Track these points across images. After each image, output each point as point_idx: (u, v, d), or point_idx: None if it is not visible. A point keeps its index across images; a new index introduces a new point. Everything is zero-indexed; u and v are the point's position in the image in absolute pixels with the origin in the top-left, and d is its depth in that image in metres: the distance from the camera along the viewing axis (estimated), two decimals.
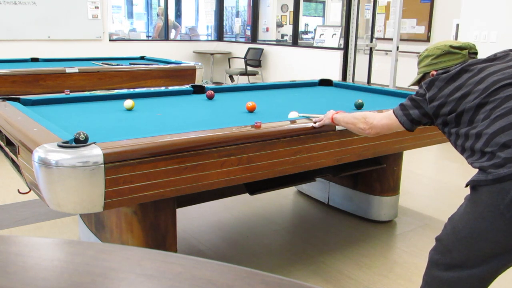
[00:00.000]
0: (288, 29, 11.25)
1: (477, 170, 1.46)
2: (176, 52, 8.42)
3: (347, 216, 3.19)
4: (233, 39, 10.97)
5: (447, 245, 1.54)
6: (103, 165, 1.55)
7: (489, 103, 1.48)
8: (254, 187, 2.34)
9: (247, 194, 2.44)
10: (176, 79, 4.74)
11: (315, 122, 2.09)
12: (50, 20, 7.10)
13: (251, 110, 2.46)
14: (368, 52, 6.05)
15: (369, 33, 6.12)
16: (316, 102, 2.92)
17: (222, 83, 8.76)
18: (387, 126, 1.80)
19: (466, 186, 1.48)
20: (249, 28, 10.22)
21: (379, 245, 2.79)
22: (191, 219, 3.11)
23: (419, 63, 1.86)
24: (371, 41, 6.02)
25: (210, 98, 2.82)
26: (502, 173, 1.34)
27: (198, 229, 2.97)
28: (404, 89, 4.11)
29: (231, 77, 8.60)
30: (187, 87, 3.08)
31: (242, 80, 8.32)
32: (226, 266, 0.58)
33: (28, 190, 1.92)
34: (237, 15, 12.64)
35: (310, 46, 7.67)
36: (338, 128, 2.15)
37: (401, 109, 1.75)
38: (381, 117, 1.82)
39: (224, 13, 9.89)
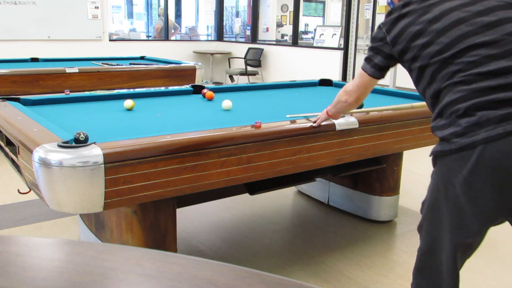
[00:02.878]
0: (288, 29, 11.26)
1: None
2: (176, 52, 8.42)
3: (347, 216, 3.19)
4: (233, 39, 10.98)
5: (421, 222, 1.58)
6: (103, 165, 1.55)
7: (454, 65, 1.41)
8: (254, 187, 2.34)
9: (247, 194, 2.44)
10: (176, 79, 4.74)
11: (314, 122, 2.10)
12: (50, 20, 7.10)
13: (209, 98, 2.77)
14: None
15: (369, 33, 6.12)
16: (316, 102, 2.92)
17: (222, 83, 8.76)
18: (361, 84, 1.75)
19: (430, 155, 1.50)
20: (249, 28, 10.23)
21: (379, 245, 2.79)
22: (191, 219, 3.11)
23: None
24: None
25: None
26: (463, 142, 1.34)
27: (198, 229, 2.97)
28: (404, 89, 4.11)
29: (231, 77, 8.60)
30: (187, 87, 3.08)
31: (242, 80, 8.33)
32: (226, 266, 0.58)
33: (28, 190, 1.92)
34: (237, 15, 12.65)
35: (310, 46, 7.67)
36: (338, 128, 2.16)
37: (367, 63, 1.70)
38: (354, 80, 1.80)
39: (224, 13, 9.90)
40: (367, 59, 1.70)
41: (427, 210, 1.53)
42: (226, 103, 2.51)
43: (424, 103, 1.72)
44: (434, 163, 1.49)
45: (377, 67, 1.67)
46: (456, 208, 1.42)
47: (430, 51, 1.46)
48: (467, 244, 1.51)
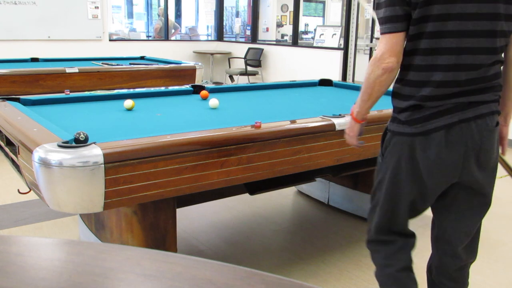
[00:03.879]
0: (288, 29, 11.26)
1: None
2: (176, 52, 8.42)
3: (347, 216, 3.19)
4: (233, 39, 10.98)
5: (377, 196, 1.72)
6: (103, 165, 1.55)
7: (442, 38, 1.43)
8: (254, 187, 2.34)
9: (247, 194, 2.44)
10: (176, 79, 4.74)
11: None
12: (50, 20, 7.10)
13: (203, 97, 2.79)
14: (368, 52, 6.04)
15: (369, 33, 6.12)
16: (316, 102, 2.92)
17: (222, 83, 8.76)
18: (393, 45, 1.46)
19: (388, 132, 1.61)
20: (249, 28, 10.23)
21: None
22: (191, 219, 3.11)
23: None
24: (371, 41, 6.02)
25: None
26: (429, 126, 1.49)
27: (198, 229, 2.97)
28: None
29: (231, 77, 8.60)
30: (187, 87, 3.08)
31: (242, 80, 8.33)
32: (226, 266, 0.58)
33: (28, 190, 1.92)
34: (237, 15, 12.65)
35: (310, 46, 7.67)
36: (338, 128, 2.16)
37: (386, 23, 1.47)
38: (380, 46, 1.53)
39: (224, 13, 9.90)
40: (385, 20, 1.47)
41: (388, 184, 1.63)
42: (213, 101, 2.52)
43: None
44: (390, 139, 1.59)
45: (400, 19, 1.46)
46: (418, 181, 1.56)
47: (430, 10, 1.43)
48: (422, 209, 1.68)
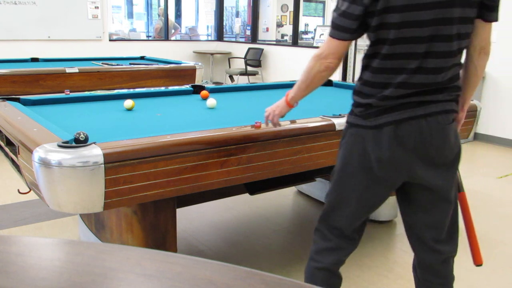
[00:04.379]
0: (288, 29, 11.26)
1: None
2: (176, 52, 8.43)
3: None
4: (233, 39, 10.98)
5: (330, 187, 1.78)
6: (103, 165, 1.55)
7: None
8: (254, 187, 2.34)
9: (247, 194, 2.44)
10: (176, 79, 4.74)
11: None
12: (50, 20, 7.10)
13: (203, 97, 2.80)
14: None
15: None
16: (316, 102, 2.92)
17: (222, 83, 8.76)
18: (338, 50, 1.60)
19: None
20: (249, 28, 10.23)
21: (379, 245, 2.79)
22: (191, 219, 3.11)
23: None
24: None
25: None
26: (380, 121, 1.55)
27: (198, 229, 2.97)
28: None
29: (231, 77, 8.60)
30: (187, 87, 3.08)
31: (242, 80, 8.33)
32: (226, 266, 0.58)
33: (28, 190, 1.92)
34: (237, 15, 12.65)
35: (310, 46, 7.67)
36: (338, 128, 2.16)
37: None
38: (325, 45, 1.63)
39: (224, 13, 9.90)
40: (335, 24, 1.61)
41: (339, 174, 1.69)
42: (210, 101, 2.53)
43: None
44: (346, 130, 1.66)
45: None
46: (368, 174, 1.60)
47: (389, 20, 1.51)
48: (370, 205, 1.70)
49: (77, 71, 4.29)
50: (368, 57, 1.57)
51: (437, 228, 1.68)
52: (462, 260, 2.63)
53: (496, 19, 1.59)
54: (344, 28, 1.54)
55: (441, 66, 1.50)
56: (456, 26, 1.48)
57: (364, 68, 1.59)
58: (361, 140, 1.59)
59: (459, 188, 1.88)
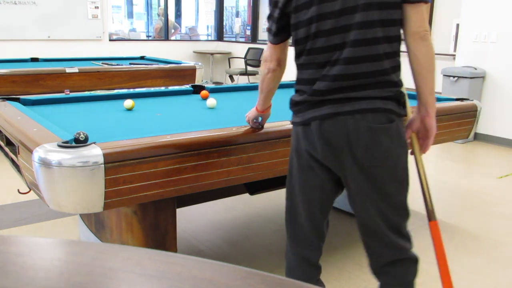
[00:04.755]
0: None
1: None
2: (176, 52, 8.42)
3: (347, 216, 3.19)
4: (233, 39, 10.97)
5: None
6: (103, 165, 1.55)
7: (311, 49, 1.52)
8: (254, 187, 2.33)
9: (247, 194, 2.44)
10: (176, 79, 4.74)
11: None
12: (50, 20, 7.10)
13: (203, 97, 2.80)
14: None
15: None
16: None
17: (222, 83, 8.76)
18: (272, 53, 1.69)
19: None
20: (249, 28, 10.23)
21: None
22: (191, 219, 3.11)
23: None
24: None
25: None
26: (306, 117, 1.55)
27: (198, 229, 2.97)
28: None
29: (231, 77, 8.60)
30: (187, 87, 3.08)
31: (242, 80, 8.32)
32: (226, 266, 0.58)
33: (28, 190, 1.92)
34: (237, 15, 12.64)
35: None
36: None
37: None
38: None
39: (224, 13, 9.90)
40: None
41: (287, 176, 1.70)
42: (210, 101, 2.54)
43: None
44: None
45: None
46: (304, 171, 1.61)
47: (300, 17, 1.55)
48: (316, 200, 1.65)
49: (77, 71, 4.29)
50: (296, 56, 1.59)
51: (372, 230, 1.61)
52: (462, 260, 2.63)
53: (418, 0, 1.47)
54: (271, 31, 1.62)
55: (361, 55, 1.44)
56: (373, 12, 1.43)
57: (296, 66, 1.62)
58: (296, 137, 1.61)
59: (430, 217, 1.73)
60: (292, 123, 1.63)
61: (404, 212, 1.65)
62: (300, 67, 1.58)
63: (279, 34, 1.62)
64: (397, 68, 1.51)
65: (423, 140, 1.65)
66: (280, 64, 1.70)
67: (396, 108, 1.50)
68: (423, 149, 1.67)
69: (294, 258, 1.74)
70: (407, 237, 1.67)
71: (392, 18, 1.45)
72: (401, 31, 1.51)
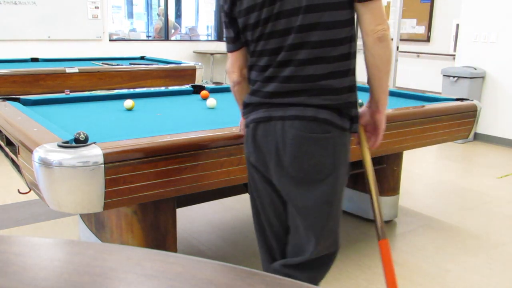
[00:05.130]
0: None
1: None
2: (176, 52, 8.42)
3: (347, 216, 3.19)
4: None
5: None
6: (103, 165, 1.55)
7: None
8: None
9: (247, 194, 2.44)
10: (176, 79, 4.74)
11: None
12: (50, 20, 7.09)
13: (204, 97, 2.78)
14: None
15: None
16: None
17: (222, 83, 8.76)
18: (233, 62, 1.62)
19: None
20: None
21: None
22: (191, 219, 3.11)
23: None
24: None
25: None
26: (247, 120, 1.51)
27: (198, 229, 2.97)
28: (404, 89, 4.11)
29: None
30: (187, 87, 3.08)
31: None
32: (226, 266, 0.58)
33: (28, 190, 1.92)
34: None
35: None
36: None
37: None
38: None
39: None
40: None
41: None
42: (210, 101, 2.54)
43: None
44: None
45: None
46: (251, 175, 1.59)
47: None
48: (269, 207, 1.58)
49: (77, 71, 4.29)
50: (250, 56, 1.54)
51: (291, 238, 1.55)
52: (462, 260, 2.63)
53: None
54: (227, 38, 1.58)
55: (296, 59, 1.37)
56: (314, 15, 1.35)
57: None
58: (245, 140, 1.58)
59: (379, 235, 1.57)
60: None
61: (328, 241, 1.51)
62: (249, 68, 1.54)
63: (235, 40, 1.55)
64: (342, 73, 1.39)
65: (371, 134, 1.60)
66: (243, 74, 1.60)
67: (336, 120, 1.39)
68: (372, 144, 1.61)
69: (268, 266, 1.69)
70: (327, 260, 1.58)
71: (337, 20, 1.36)
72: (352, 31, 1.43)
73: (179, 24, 10.94)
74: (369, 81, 1.48)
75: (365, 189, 3.04)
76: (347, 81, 1.41)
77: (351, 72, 1.43)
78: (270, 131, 1.42)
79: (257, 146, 1.47)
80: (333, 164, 1.42)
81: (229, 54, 1.60)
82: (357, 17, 1.42)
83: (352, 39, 1.42)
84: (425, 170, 4.38)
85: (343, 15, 1.36)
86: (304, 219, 1.48)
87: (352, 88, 1.44)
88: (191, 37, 10.68)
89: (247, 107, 1.51)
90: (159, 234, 2.00)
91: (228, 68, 1.61)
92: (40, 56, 5.49)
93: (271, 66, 1.42)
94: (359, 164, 2.77)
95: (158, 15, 9.79)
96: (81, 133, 1.67)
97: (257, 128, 1.45)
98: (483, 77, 5.34)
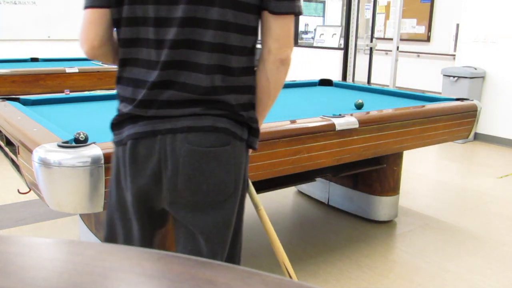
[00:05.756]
0: None
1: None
2: None
3: (347, 216, 3.19)
4: None
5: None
6: (103, 165, 1.55)
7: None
8: (254, 187, 2.33)
9: (246, 194, 2.44)
10: None
11: None
12: (50, 20, 7.10)
13: None
14: (368, 52, 6.04)
15: (369, 33, 6.11)
16: (316, 102, 2.92)
17: None
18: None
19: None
20: None
21: (379, 245, 2.79)
22: None
23: None
24: (371, 41, 6.02)
25: None
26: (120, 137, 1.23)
27: None
28: (404, 89, 4.11)
29: None
30: None
31: None
32: (226, 266, 0.58)
33: (28, 190, 1.92)
34: None
35: (310, 46, 7.67)
36: (338, 128, 2.15)
37: None
38: None
39: None
40: None
41: (107, 208, 1.38)
42: None
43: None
44: None
45: None
46: (119, 192, 1.28)
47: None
48: (137, 230, 1.31)
49: (77, 71, 4.29)
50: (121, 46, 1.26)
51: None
52: (462, 260, 2.63)
53: (285, 10, 1.15)
54: None
55: (179, 60, 1.14)
56: (196, 7, 1.12)
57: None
58: (116, 161, 1.25)
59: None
60: (113, 142, 1.28)
61: (233, 262, 1.35)
62: (122, 63, 1.25)
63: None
64: (234, 89, 1.19)
65: None
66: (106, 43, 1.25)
67: (236, 129, 1.19)
68: None
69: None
70: None
71: (228, 21, 1.14)
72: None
73: None
74: (256, 100, 1.29)
75: (365, 189, 3.06)
76: (250, 98, 1.24)
77: (244, 89, 1.23)
78: (155, 148, 1.15)
79: (139, 169, 1.17)
80: (234, 181, 1.21)
81: (89, 12, 1.18)
82: (261, 30, 1.21)
83: (251, 50, 1.24)
84: (425, 170, 4.38)
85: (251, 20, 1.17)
86: (204, 245, 1.25)
87: (254, 105, 1.26)
88: None
89: (118, 120, 1.22)
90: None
91: (84, 36, 1.21)
92: (40, 56, 5.49)
93: (152, 68, 1.17)
94: (359, 164, 2.78)
95: None
96: (81, 133, 1.67)
97: (138, 145, 1.16)
98: (483, 77, 5.34)
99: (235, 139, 1.18)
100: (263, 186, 2.33)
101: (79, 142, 1.65)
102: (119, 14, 1.17)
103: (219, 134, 1.15)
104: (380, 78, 6.81)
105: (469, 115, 2.82)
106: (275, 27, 1.17)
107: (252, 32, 1.19)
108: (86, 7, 1.18)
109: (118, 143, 1.23)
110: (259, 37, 1.26)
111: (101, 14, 1.18)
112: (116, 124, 1.23)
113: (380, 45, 6.99)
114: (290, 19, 1.17)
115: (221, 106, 1.16)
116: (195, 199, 1.18)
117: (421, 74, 8.03)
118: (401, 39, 5.83)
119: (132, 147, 1.17)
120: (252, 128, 1.25)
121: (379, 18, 8.76)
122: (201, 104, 1.15)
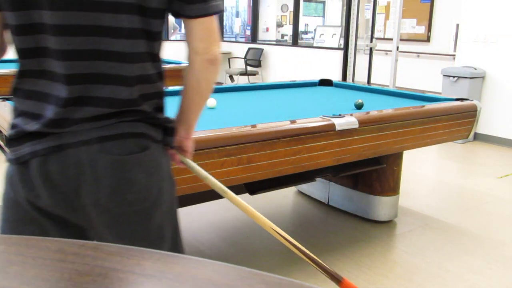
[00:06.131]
0: (288, 29, 11.26)
1: None
2: (176, 52, 8.42)
3: (347, 216, 3.19)
4: (233, 39, 10.98)
5: None
6: None
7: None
8: (254, 187, 2.33)
9: (247, 194, 2.44)
10: (176, 79, 4.73)
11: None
12: None
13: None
14: (368, 52, 6.04)
15: (369, 33, 6.11)
16: (316, 102, 2.92)
17: (222, 83, 8.76)
18: None
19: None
20: (249, 28, 10.24)
21: (379, 245, 2.79)
22: (191, 219, 3.11)
23: None
24: (371, 41, 6.02)
25: None
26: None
27: (198, 229, 2.97)
28: (404, 89, 4.11)
29: (231, 77, 8.60)
30: None
31: (242, 80, 8.33)
32: (226, 266, 0.58)
33: None
34: (237, 15, 12.65)
35: (310, 46, 7.67)
36: (338, 128, 2.16)
37: None
38: None
39: (224, 13, 9.90)
40: None
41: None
42: (210, 101, 2.55)
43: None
44: None
45: None
46: (25, 228, 1.12)
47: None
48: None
49: None
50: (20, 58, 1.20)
51: None
52: (462, 260, 2.63)
53: (201, 13, 1.11)
54: None
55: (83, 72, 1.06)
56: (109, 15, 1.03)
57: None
58: (9, 181, 1.11)
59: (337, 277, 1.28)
60: (6, 160, 1.12)
61: None
62: (20, 75, 1.18)
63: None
64: (150, 96, 1.16)
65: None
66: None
67: (151, 131, 1.13)
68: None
69: None
70: None
71: (138, 28, 1.07)
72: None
73: (179, 24, 10.95)
74: (184, 106, 1.27)
75: (365, 189, 3.06)
76: (164, 102, 1.21)
77: (153, 95, 1.20)
78: (69, 163, 1.04)
79: (52, 187, 1.06)
80: (158, 184, 1.15)
81: None
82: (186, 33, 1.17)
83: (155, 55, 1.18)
84: (425, 170, 4.38)
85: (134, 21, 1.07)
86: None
87: (164, 108, 1.23)
88: None
89: (17, 136, 1.08)
90: None
91: None
92: None
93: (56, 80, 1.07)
94: (359, 164, 2.78)
95: None
96: None
97: (48, 162, 1.04)
98: (483, 77, 5.34)
99: (153, 143, 1.13)
100: (263, 186, 2.33)
101: None
102: (13, 21, 1.08)
103: (137, 140, 1.09)
104: (380, 78, 6.81)
105: (469, 115, 2.82)
106: (197, 29, 1.14)
107: (160, 37, 1.15)
108: None
109: (15, 160, 1.07)
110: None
111: None
112: (15, 140, 1.08)
113: (380, 45, 7.00)
114: (210, 19, 1.13)
115: (137, 113, 1.11)
116: (120, 210, 1.09)
117: (421, 74, 8.03)
118: (401, 39, 5.83)
119: (41, 164, 1.05)
120: (167, 128, 1.21)
121: (379, 18, 8.76)
122: (118, 116, 1.08)
